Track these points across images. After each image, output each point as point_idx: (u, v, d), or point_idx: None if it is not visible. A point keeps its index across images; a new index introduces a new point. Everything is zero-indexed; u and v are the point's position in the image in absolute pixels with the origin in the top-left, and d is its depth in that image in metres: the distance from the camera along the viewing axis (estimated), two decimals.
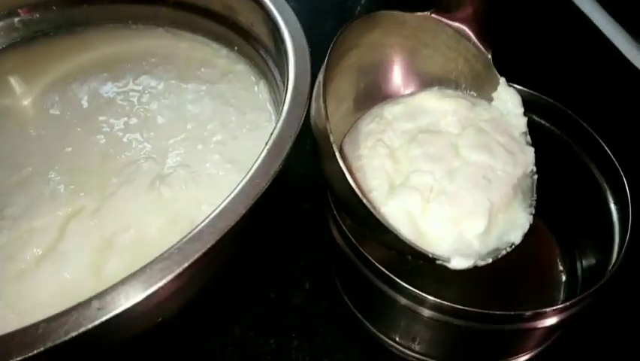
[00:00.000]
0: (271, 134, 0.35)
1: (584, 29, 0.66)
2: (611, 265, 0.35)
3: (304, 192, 0.49)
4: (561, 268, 0.43)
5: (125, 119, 0.48)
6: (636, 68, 0.61)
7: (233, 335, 0.42)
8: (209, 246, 0.29)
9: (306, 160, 0.45)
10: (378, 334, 0.40)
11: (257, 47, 0.50)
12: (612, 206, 0.39)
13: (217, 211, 0.31)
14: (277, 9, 0.44)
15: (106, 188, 0.43)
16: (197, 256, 0.29)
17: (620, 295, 0.38)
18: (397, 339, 0.39)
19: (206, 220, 0.31)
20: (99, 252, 0.40)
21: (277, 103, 0.48)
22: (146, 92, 0.51)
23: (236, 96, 0.50)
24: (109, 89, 0.51)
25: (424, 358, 0.39)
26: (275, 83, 0.47)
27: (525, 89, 0.43)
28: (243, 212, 0.30)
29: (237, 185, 0.32)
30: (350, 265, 0.37)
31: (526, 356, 0.38)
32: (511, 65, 0.44)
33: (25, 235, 0.40)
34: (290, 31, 0.42)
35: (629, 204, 0.36)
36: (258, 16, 0.47)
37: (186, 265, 0.29)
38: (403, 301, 0.35)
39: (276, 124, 0.35)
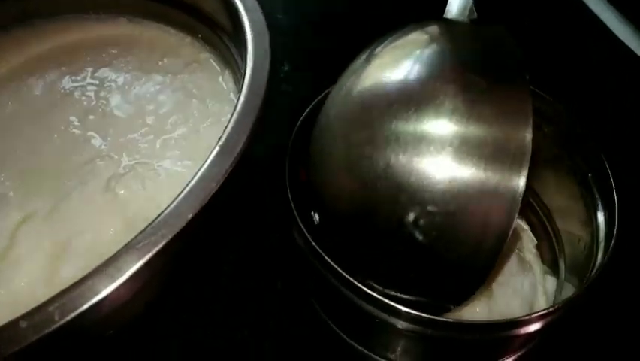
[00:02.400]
0: (225, 128, 0.32)
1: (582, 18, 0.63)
2: (594, 269, 0.32)
3: (268, 186, 0.47)
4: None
5: (82, 115, 0.45)
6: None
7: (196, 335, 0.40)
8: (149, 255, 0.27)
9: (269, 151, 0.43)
10: (350, 342, 0.38)
11: (220, 35, 0.47)
12: (599, 213, 0.36)
13: (160, 218, 0.29)
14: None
15: (59, 190, 0.40)
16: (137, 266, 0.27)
17: (602, 297, 0.36)
18: (375, 349, 0.37)
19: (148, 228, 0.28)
20: (53, 258, 0.38)
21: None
22: (105, 85, 0.48)
23: (199, 87, 0.47)
24: (66, 83, 0.48)
25: None
26: (240, 73, 0.44)
27: None
28: (190, 217, 0.28)
29: (185, 187, 0.30)
30: (317, 273, 0.34)
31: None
32: None
33: None
34: (249, 17, 0.39)
35: (615, 207, 0.34)
36: (218, 1, 0.44)
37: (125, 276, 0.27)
38: (372, 310, 0.33)
39: (231, 116, 0.33)
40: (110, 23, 0.53)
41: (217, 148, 0.31)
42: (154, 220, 0.29)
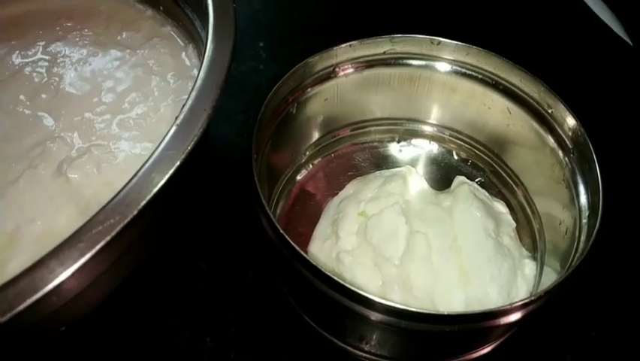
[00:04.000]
0: (183, 105, 0.30)
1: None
2: (574, 258, 0.31)
3: (231, 169, 0.44)
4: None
5: (33, 94, 0.42)
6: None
7: (164, 332, 0.38)
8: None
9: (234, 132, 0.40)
10: (320, 331, 0.36)
11: (184, 7, 0.44)
12: (582, 196, 0.35)
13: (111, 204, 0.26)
14: None
15: (6, 175, 0.37)
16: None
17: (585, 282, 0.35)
18: (346, 339, 0.35)
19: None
20: (1, 249, 0.35)
21: None
22: (58, 61, 0.44)
23: (160, 63, 0.44)
24: (15, 58, 0.45)
25: (377, 358, 0.35)
26: (204, 47, 0.41)
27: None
28: (143, 205, 0.25)
29: (139, 170, 0.27)
30: (284, 261, 0.32)
31: (483, 351, 0.35)
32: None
33: None
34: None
35: (599, 190, 0.32)
36: None
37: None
38: (343, 300, 0.31)
39: (190, 93, 0.30)
40: None
41: (174, 127, 0.28)
42: (103, 207, 0.26)
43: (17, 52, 0.45)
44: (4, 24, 0.47)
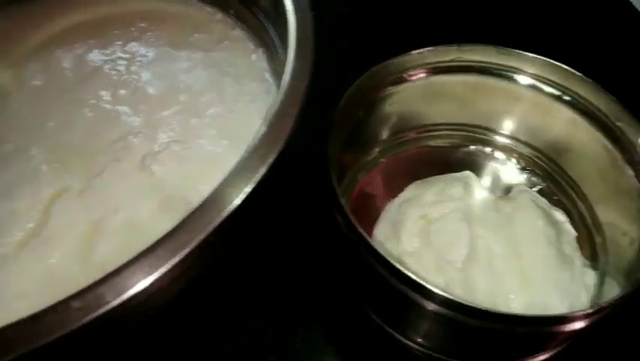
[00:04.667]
0: (270, 108, 0.31)
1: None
2: None
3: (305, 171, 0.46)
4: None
5: (113, 90, 0.44)
6: None
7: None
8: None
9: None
10: (386, 328, 0.38)
11: (255, 11, 0.46)
12: None
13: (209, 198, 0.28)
14: None
15: (92, 167, 0.39)
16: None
17: None
18: (406, 333, 0.36)
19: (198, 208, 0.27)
20: (86, 236, 0.37)
21: (278, 74, 0.44)
22: (135, 60, 0.47)
23: (232, 65, 0.46)
24: (95, 56, 0.47)
25: (432, 353, 0.36)
26: (275, 51, 0.43)
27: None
28: (237, 203, 0.27)
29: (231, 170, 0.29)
30: (356, 257, 0.34)
31: (537, 359, 0.35)
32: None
33: (6, 217, 0.37)
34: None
35: None
36: None
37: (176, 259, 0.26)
38: (414, 296, 0.32)
39: (277, 97, 0.32)
40: None
41: (264, 128, 0.30)
42: (204, 200, 0.28)
43: (97, 50, 0.48)
44: (83, 27, 0.50)
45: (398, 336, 0.38)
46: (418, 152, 0.46)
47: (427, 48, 0.40)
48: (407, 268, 0.37)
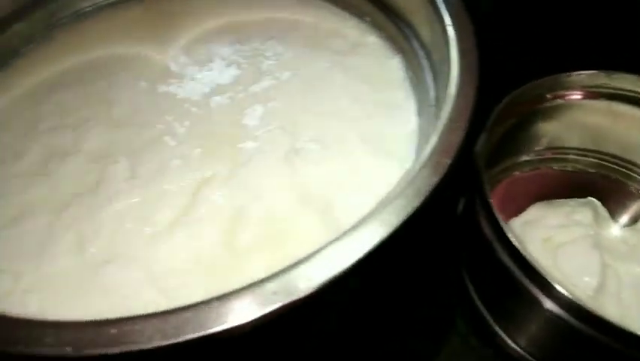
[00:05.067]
0: (436, 125, 0.32)
1: None
2: None
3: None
4: None
5: (253, 85, 0.46)
6: None
7: None
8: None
9: None
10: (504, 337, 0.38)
11: (396, 21, 0.47)
12: None
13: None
14: None
15: (238, 156, 0.42)
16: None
17: None
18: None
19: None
20: (230, 222, 0.39)
21: (415, 83, 0.45)
22: (273, 58, 0.49)
23: (369, 71, 0.47)
24: (235, 52, 0.50)
25: None
26: (416, 60, 0.44)
27: None
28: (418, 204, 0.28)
29: (406, 177, 0.30)
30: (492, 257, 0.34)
31: None
32: None
33: (158, 197, 0.40)
34: (449, 9, 0.39)
35: None
36: None
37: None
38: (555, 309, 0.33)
39: (442, 113, 0.33)
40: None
41: (435, 139, 0.31)
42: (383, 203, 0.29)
43: (237, 45, 0.50)
44: (222, 27, 0.52)
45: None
46: (546, 173, 0.46)
47: (577, 72, 0.40)
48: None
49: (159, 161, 0.42)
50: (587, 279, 0.39)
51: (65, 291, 0.35)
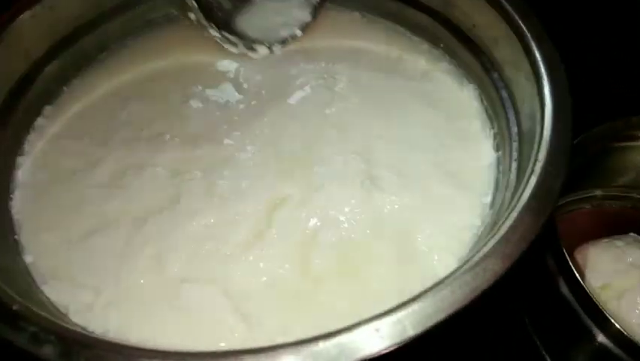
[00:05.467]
0: (533, 169, 0.32)
1: None
2: None
3: None
4: None
5: (326, 107, 0.46)
6: None
7: None
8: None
9: None
10: None
11: (474, 50, 0.46)
12: None
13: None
14: (519, 15, 0.41)
15: (312, 179, 0.41)
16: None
17: None
18: None
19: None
20: (303, 246, 0.39)
21: (492, 115, 0.44)
22: (345, 81, 0.48)
23: (441, 98, 0.47)
24: (306, 73, 0.49)
25: None
26: (494, 93, 0.44)
27: None
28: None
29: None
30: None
31: None
32: None
33: (233, 216, 0.40)
34: (540, 48, 0.38)
35: None
36: (488, 19, 0.43)
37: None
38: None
39: (539, 156, 0.32)
40: (342, 18, 0.54)
41: (529, 191, 0.30)
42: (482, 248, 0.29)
43: (304, 65, 0.50)
44: (298, 51, 0.52)
45: None
46: (586, 212, 0.47)
47: None
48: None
49: (233, 179, 0.42)
50: None
51: (145, 308, 0.36)
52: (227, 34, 0.44)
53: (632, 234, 0.45)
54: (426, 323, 0.26)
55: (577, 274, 0.37)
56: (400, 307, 0.27)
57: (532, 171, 0.31)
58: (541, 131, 0.33)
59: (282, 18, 0.44)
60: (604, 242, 0.44)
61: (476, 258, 0.28)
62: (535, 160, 0.32)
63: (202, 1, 0.45)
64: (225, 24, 0.43)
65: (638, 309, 0.40)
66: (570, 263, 0.37)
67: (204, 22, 0.44)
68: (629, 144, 0.45)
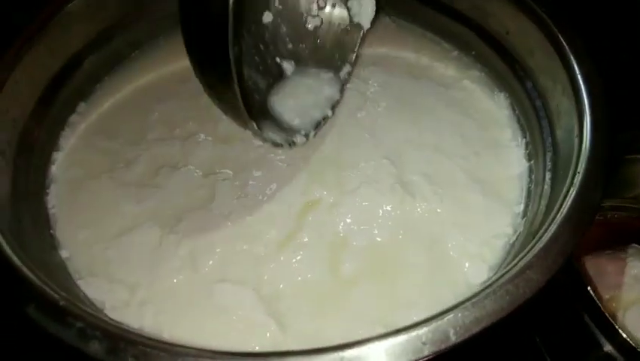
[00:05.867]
0: (573, 182, 0.32)
1: None
2: None
3: None
4: None
5: (358, 110, 0.46)
6: None
7: None
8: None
9: None
10: None
11: (506, 58, 0.46)
12: None
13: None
14: (555, 24, 0.41)
15: (343, 183, 0.42)
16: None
17: None
18: None
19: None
20: (334, 249, 0.39)
21: (524, 124, 0.44)
22: (376, 85, 0.48)
23: (473, 106, 0.47)
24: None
25: None
26: (527, 102, 0.44)
27: None
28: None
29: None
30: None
31: None
32: None
33: (266, 217, 0.40)
34: (579, 62, 0.38)
35: None
36: (523, 27, 0.43)
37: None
38: None
39: (578, 169, 0.32)
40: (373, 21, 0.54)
41: (560, 217, 0.30)
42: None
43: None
44: None
45: None
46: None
47: None
48: None
49: (266, 180, 0.42)
50: None
51: (180, 307, 0.36)
52: (268, 134, 0.42)
53: (634, 245, 0.45)
54: (470, 331, 0.26)
55: (588, 287, 0.37)
56: (441, 315, 0.27)
57: (572, 183, 0.32)
58: (580, 145, 0.34)
59: (314, 96, 0.44)
60: (607, 253, 0.45)
61: (517, 268, 0.28)
62: (575, 173, 0.32)
63: (243, 87, 0.44)
64: (261, 108, 0.42)
65: None
66: (583, 277, 0.37)
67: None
68: (637, 156, 0.46)
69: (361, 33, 0.46)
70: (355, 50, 0.46)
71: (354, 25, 0.46)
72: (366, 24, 0.45)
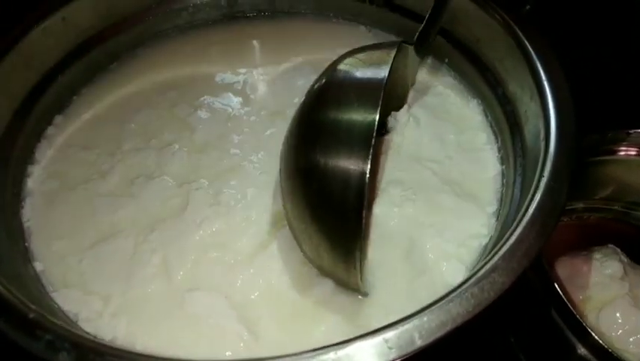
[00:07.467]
0: (538, 184, 0.32)
1: None
2: None
3: None
4: None
5: None
6: None
7: None
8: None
9: None
10: None
11: (477, 65, 0.47)
12: None
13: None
14: (523, 31, 0.41)
15: None
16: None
17: None
18: None
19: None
20: (303, 262, 0.39)
21: (496, 129, 0.45)
22: None
23: (447, 112, 0.47)
24: (310, 83, 0.50)
25: None
26: (499, 108, 0.44)
27: None
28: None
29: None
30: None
31: None
32: None
33: (238, 226, 0.40)
34: (545, 67, 0.39)
35: None
36: (491, 33, 0.44)
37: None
38: None
39: (544, 172, 0.33)
40: (349, 30, 0.55)
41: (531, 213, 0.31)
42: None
43: (308, 77, 0.50)
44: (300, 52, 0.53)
45: None
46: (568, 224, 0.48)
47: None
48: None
49: (240, 188, 0.42)
50: (634, 343, 0.40)
51: (153, 316, 0.36)
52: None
53: (610, 245, 0.46)
54: (435, 334, 0.26)
55: (558, 289, 0.37)
56: (407, 319, 0.27)
57: (537, 187, 0.32)
58: (546, 149, 0.34)
59: None
60: (583, 254, 0.45)
61: (482, 271, 0.29)
62: (540, 176, 0.33)
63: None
64: None
65: (616, 322, 0.41)
66: (551, 277, 0.37)
67: None
68: (607, 157, 0.46)
69: None
70: None
71: None
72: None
